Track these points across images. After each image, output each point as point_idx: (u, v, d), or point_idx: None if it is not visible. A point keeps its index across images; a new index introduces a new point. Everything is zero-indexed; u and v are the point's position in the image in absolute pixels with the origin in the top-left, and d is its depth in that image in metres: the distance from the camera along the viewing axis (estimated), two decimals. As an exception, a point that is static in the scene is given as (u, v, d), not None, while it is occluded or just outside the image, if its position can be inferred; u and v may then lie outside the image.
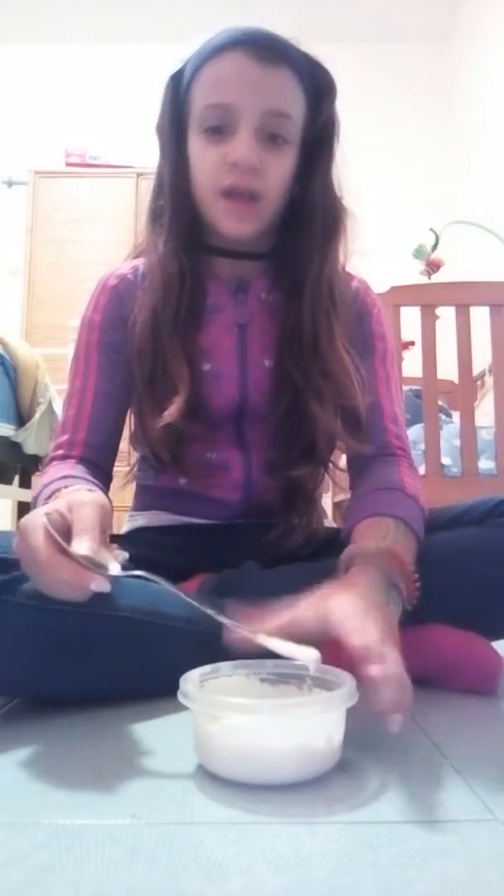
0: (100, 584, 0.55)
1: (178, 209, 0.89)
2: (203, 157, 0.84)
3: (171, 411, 0.84)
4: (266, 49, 0.81)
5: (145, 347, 0.87)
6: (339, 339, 0.88)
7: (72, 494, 0.66)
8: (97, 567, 0.56)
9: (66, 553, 0.55)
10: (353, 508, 0.84)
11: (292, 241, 0.90)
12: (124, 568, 0.59)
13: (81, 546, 0.56)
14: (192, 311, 0.89)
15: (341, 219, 0.90)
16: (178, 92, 0.87)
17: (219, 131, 0.82)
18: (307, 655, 0.56)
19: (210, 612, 0.58)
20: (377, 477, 0.87)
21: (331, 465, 0.96)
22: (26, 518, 0.59)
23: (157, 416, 0.85)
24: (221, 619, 0.59)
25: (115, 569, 0.57)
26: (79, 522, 0.58)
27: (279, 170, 0.84)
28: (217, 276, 0.93)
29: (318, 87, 0.86)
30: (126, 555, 0.61)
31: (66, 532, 0.58)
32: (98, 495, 0.67)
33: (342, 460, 0.98)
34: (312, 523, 0.93)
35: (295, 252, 0.89)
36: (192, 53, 0.86)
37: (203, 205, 0.86)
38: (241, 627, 0.59)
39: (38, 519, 0.57)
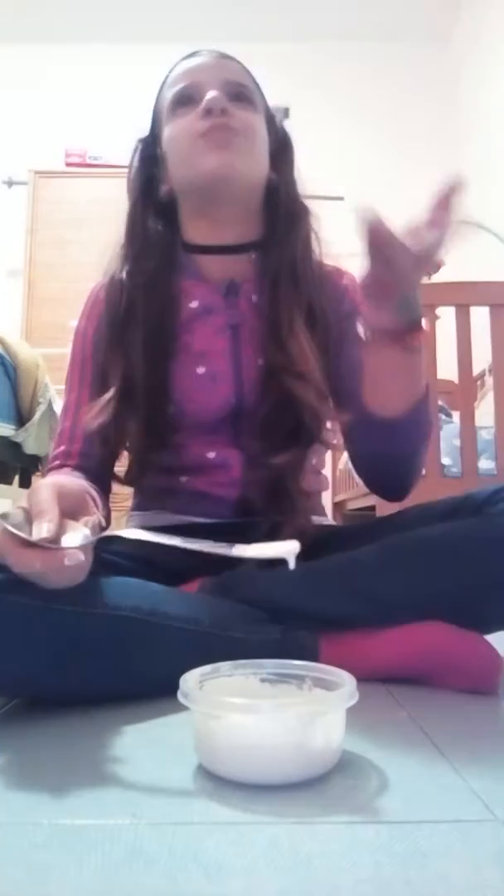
0: (72, 557, 0.55)
1: (137, 232, 0.95)
2: (178, 125, 0.90)
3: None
4: (221, 51, 0.92)
5: (113, 369, 0.91)
6: (296, 316, 0.90)
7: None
8: (62, 544, 0.56)
9: (32, 544, 0.55)
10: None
11: (271, 236, 0.94)
12: (103, 551, 0.59)
13: (41, 530, 0.56)
14: (154, 319, 0.91)
15: (302, 213, 0.95)
16: (148, 149, 0.97)
17: (189, 103, 0.89)
18: (286, 548, 0.56)
19: (180, 543, 0.59)
20: None
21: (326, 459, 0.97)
22: None
23: (138, 432, 0.89)
24: (190, 545, 0.59)
25: (79, 537, 0.57)
26: (34, 507, 0.58)
27: (251, 117, 0.90)
28: (207, 278, 0.94)
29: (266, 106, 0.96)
30: (94, 519, 0.61)
31: (31, 523, 0.58)
32: (57, 477, 0.67)
33: (340, 463, 0.98)
34: (298, 522, 0.92)
35: (272, 246, 0.93)
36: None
37: (185, 165, 0.90)
38: (214, 546, 0.59)
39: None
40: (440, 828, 0.42)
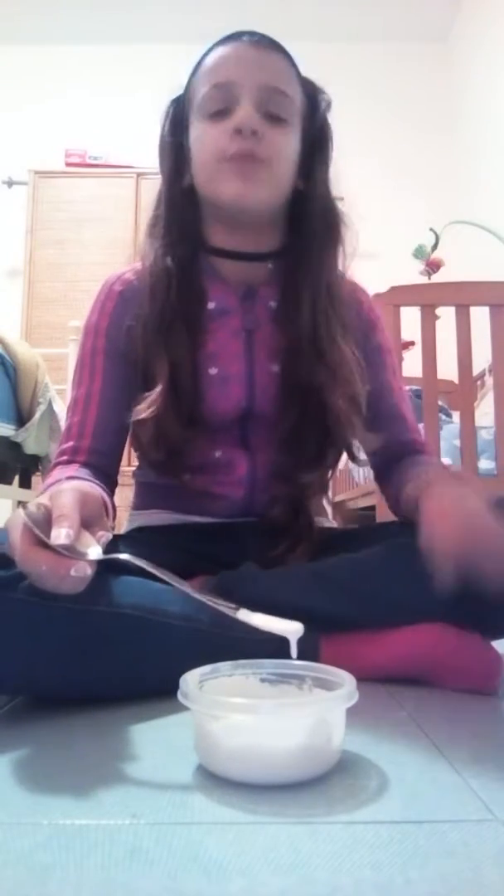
0: (79, 570, 0.55)
1: (174, 212, 0.91)
2: (206, 135, 0.86)
3: (142, 406, 0.85)
4: (262, 37, 0.86)
5: (137, 352, 0.89)
6: (338, 334, 0.90)
7: (56, 486, 0.66)
8: (76, 553, 0.56)
9: (45, 545, 0.55)
10: (397, 479, 0.91)
11: (295, 245, 0.91)
12: (106, 551, 0.59)
13: (59, 535, 0.56)
14: (188, 314, 0.90)
15: (338, 222, 0.92)
16: (178, 110, 0.91)
17: (221, 114, 0.84)
18: (290, 628, 0.56)
19: (186, 589, 0.59)
20: (416, 458, 0.94)
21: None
22: (11, 516, 0.59)
23: (147, 418, 0.86)
24: (199, 595, 0.59)
25: (94, 553, 0.57)
26: (57, 510, 0.58)
27: (281, 141, 0.86)
28: (225, 280, 0.93)
29: (310, 93, 0.90)
30: (109, 535, 0.61)
31: (50, 523, 0.58)
32: (81, 482, 0.67)
33: (340, 462, 0.99)
34: (315, 532, 0.92)
35: (296, 255, 0.91)
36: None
37: (207, 182, 0.87)
38: (220, 604, 0.59)
39: (19, 516, 0.58)
40: (440, 828, 0.42)
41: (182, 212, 0.91)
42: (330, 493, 1.88)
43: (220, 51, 0.86)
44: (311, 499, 0.93)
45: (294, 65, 0.88)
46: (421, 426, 1.80)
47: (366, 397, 0.89)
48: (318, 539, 0.91)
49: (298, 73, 0.88)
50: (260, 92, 0.84)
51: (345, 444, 0.92)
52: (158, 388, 0.85)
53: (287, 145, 0.86)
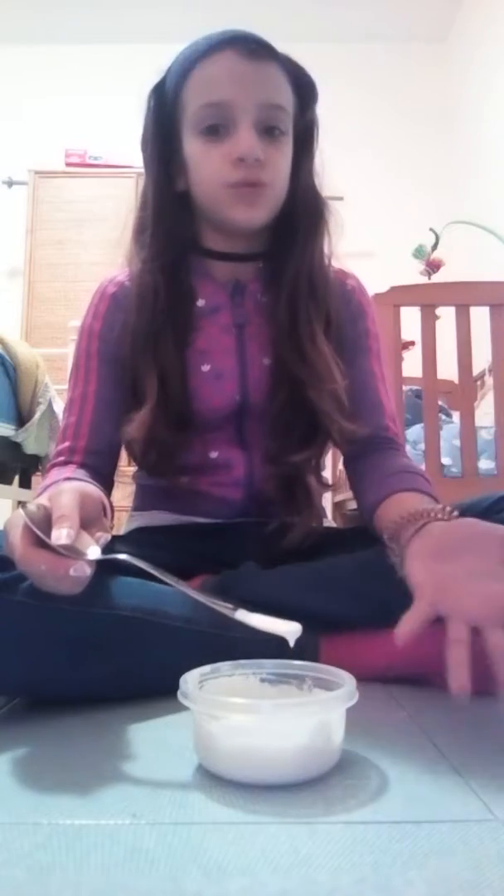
0: (78, 570, 0.55)
1: (162, 219, 0.90)
2: (205, 158, 0.84)
3: (132, 427, 0.85)
4: (254, 45, 0.83)
5: (125, 359, 0.89)
6: (318, 329, 0.90)
7: (55, 486, 0.66)
8: (76, 553, 0.56)
9: (44, 545, 0.56)
10: (371, 490, 0.86)
11: (283, 242, 0.91)
12: (105, 551, 0.59)
13: (60, 535, 0.56)
14: (178, 316, 0.90)
15: (322, 214, 0.92)
16: (162, 103, 0.89)
17: (216, 131, 0.83)
18: (288, 629, 0.57)
19: (185, 589, 0.59)
20: (389, 463, 0.89)
21: (328, 461, 0.97)
22: (10, 517, 0.59)
23: (135, 425, 0.86)
24: (198, 595, 0.59)
25: (94, 553, 0.58)
26: (57, 510, 0.58)
27: (281, 160, 0.86)
28: (214, 278, 0.93)
29: (301, 87, 0.88)
30: (108, 536, 0.62)
31: (49, 523, 0.58)
32: (80, 483, 0.67)
33: (340, 463, 0.99)
34: (311, 520, 0.93)
35: (283, 250, 0.91)
36: (171, 62, 0.88)
37: (209, 202, 0.87)
38: (218, 604, 0.59)
39: (18, 516, 0.58)
40: (440, 828, 0.42)
41: (173, 217, 0.90)
42: (330, 494, 1.86)
43: (212, 64, 0.82)
44: (305, 475, 0.92)
45: (285, 67, 0.85)
46: (420, 426, 1.80)
47: (346, 388, 0.89)
48: (315, 522, 0.91)
49: (286, 70, 0.85)
50: (258, 111, 0.82)
51: (328, 437, 0.92)
52: (147, 407, 0.85)
53: (286, 160, 0.86)
